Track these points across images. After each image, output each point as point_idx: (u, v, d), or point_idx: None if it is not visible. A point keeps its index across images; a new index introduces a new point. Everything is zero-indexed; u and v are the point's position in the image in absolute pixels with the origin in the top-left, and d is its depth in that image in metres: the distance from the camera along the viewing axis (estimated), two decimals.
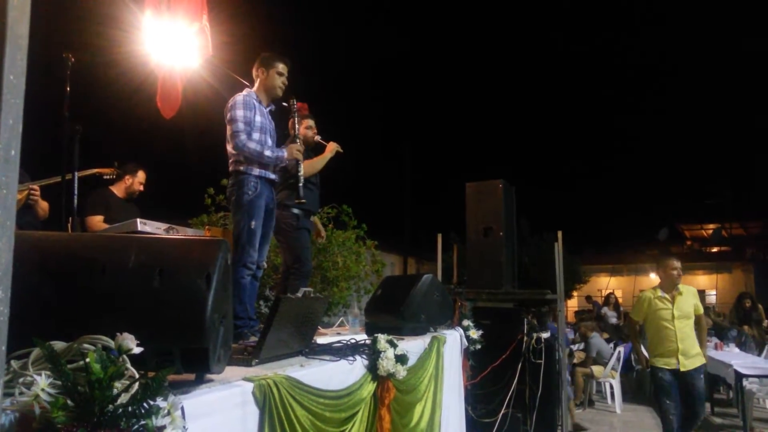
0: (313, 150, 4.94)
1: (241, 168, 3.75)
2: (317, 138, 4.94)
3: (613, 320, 12.97)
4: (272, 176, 3.90)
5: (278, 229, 4.71)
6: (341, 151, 4.89)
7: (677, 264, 5.60)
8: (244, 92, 3.85)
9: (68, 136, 3.77)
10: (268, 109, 3.98)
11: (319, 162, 4.80)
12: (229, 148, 3.80)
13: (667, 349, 5.44)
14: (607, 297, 14.77)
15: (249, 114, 3.76)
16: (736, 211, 30.40)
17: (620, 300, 28.11)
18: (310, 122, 5.01)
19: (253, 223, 3.71)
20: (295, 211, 4.63)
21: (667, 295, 5.53)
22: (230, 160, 3.83)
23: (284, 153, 3.91)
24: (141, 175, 5.18)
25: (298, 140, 4.19)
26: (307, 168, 4.65)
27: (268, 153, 3.76)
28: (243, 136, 3.68)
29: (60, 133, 3.69)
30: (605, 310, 13.43)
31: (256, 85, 3.95)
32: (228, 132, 3.77)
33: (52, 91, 3.64)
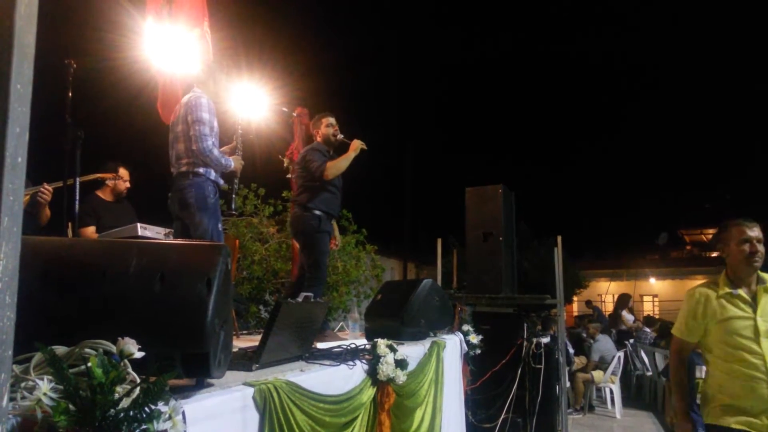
0: (336, 150, 4.82)
1: (201, 170, 3.80)
2: (340, 137, 4.77)
3: (630, 323, 12.65)
4: (221, 182, 3.99)
5: (299, 230, 4.68)
6: (365, 148, 4.72)
7: (751, 231, 3.06)
8: (205, 95, 3.88)
9: (70, 142, 3.79)
10: None
11: (343, 162, 4.64)
12: (181, 146, 3.81)
13: (748, 395, 2.86)
14: (624, 298, 14.04)
15: (212, 119, 3.81)
16: (736, 216, 30.37)
17: None
18: (330, 120, 4.83)
19: (220, 225, 3.79)
20: (317, 212, 4.54)
21: (742, 293, 3.01)
22: (183, 160, 3.83)
23: (231, 163, 3.99)
24: (122, 173, 5.06)
25: (238, 152, 4.21)
26: (332, 169, 4.55)
27: (223, 161, 3.85)
28: (210, 141, 3.74)
29: (62, 139, 3.70)
30: (624, 313, 13.10)
31: (206, 86, 3.97)
32: (190, 132, 3.78)
33: (54, 97, 3.65)
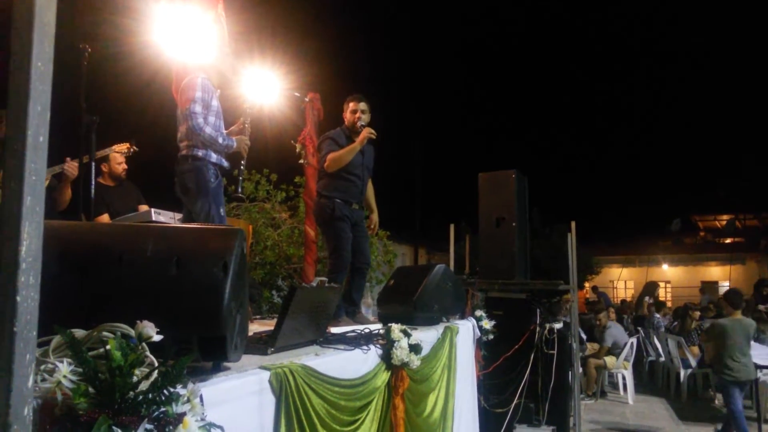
0: (358, 135, 4.63)
1: (200, 154, 3.75)
2: (360, 124, 4.62)
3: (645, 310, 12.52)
4: (226, 164, 3.93)
5: (316, 216, 4.71)
6: (374, 136, 4.59)
7: None
8: (200, 74, 3.82)
9: (85, 126, 3.79)
10: (216, 93, 3.96)
11: (346, 154, 4.51)
12: (182, 129, 3.76)
13: None
14: (650, 286, 13.73)
15: (207, 97, 3.76)
16: (751, 202, 30.13)
17: (631, 291, 27.98)
18: (357, 105, 4.67)
19: (222, 209, 3.75)
20: (334, 199, 4.48)
21: None
22: (183, 143, 3.79)
23: (234, 143, 3.92)
24: (113, 156, 4.97)
25: (246, 134, 4.11)
26: (332, 162, 4.48)
27: (220, 140, 3.79)
28: (201, 120, 3.68)
29: (77, 124, 3.71)
30: (648, 299, 12.94)
31: (207, 66, 3.91)
32: (183, 112, 3.74)
33: (69, 82, 3.65)
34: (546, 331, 5.61)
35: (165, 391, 1.27)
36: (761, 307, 10.19)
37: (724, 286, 27.27)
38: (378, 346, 2.91)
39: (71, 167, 4.19)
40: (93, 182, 3.88)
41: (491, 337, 4.96)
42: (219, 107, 3.88)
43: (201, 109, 3.70)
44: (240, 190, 4.18)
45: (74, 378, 1.24)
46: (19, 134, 0.88)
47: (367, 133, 4.56)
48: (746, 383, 6.52)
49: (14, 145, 0.89)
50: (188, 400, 1.31)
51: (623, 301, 19.60)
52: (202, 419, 1.35)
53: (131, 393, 1.24)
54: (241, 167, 4.11)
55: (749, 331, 6.58)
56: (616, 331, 9.31)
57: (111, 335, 1.42)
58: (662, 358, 10.00)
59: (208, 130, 3.70)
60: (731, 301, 6.82)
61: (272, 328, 2.50)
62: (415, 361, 3.01)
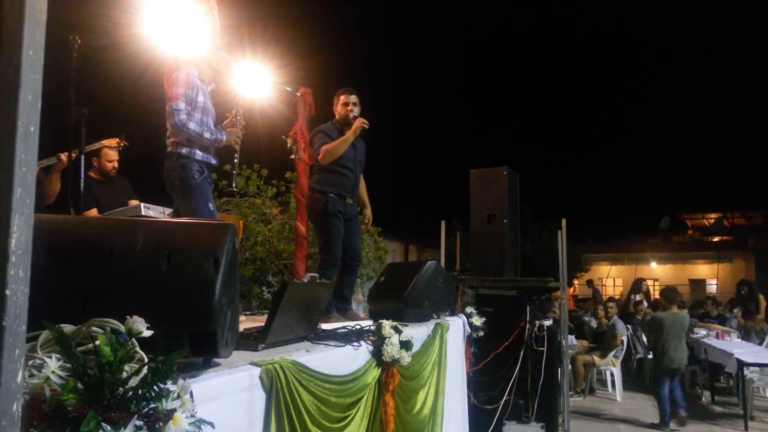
0: (350, 128, 4.62)
1: (183, 151, 3.70)
2: (351, 116, 4.60)
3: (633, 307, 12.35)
4: (214, 161, 3.87)
5: (309, 211, 4.68)
6: (366, 126, 4.57)
7: None
8: (188, 69, 3.78)
9: (75, 119, 3.74)
10: (209, 88, 3.91)
11: (340, 145, 4.49)
12: (169, 125, 3.72)
13: None
14: (636, 283, 13.53)
15: (191, 93, 3.71)
16: (739, 201, 30.37)
17: (620, 288, 28.14)
18: (348, 98, 4.67)
19: (210, 205, 3.71)
20: (327, 194, 4.46)
21: None
22: (169, 140, 3.74)
23: (224, 136, 3.85)
24: (105, 152, 4.97)
25: (239, 125, 4.05)
26: (326, 154, 4.46)
27: (207, 135, 3.72)
28: (183, 116, 3.62)
29: (66, 116, 3.67)
30: (634, 297, 12.71)
31: (198, 59, 3.86)
32: (167, 109, 3.69)
33: (58, 74, 3.60)
34: (536, 328, 5.62)
35: (155, 387, 1.25)
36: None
37: (712, 284, 27.51)
38: (369, 342, 2.90)
39: (66, 156, 4.17)
40: (82, 175, 3.84)
41: (481, 333, 4.97)
42: (207, 102, 3.82)
43: (185, 106, 3.65)
44: (234, 184, 4.13)
45: (63, 374, 1.23)
46: (9, 124, 0.86)
47: (359, 123, 4.54)
48: (679, 370, 7.32)
49: (4, 134, 0.87)
50: (178, 397, 1.29)
51: (611, 299, 19.69)
52: (193, 415, 1.34)
53: (121, 389, 1.22)
54: (235, 161, 4.06)
55: (684, 323, 7.42)
56: (621, 324, 9.43)
57: (100, 330, 1.40)
58: (650, 356, 10.06)
59: (191, 126, 3.65)
60: (667, 297, 7.65)
61: (263, 324, 2.49)
62: (406, 357, 3.00)
